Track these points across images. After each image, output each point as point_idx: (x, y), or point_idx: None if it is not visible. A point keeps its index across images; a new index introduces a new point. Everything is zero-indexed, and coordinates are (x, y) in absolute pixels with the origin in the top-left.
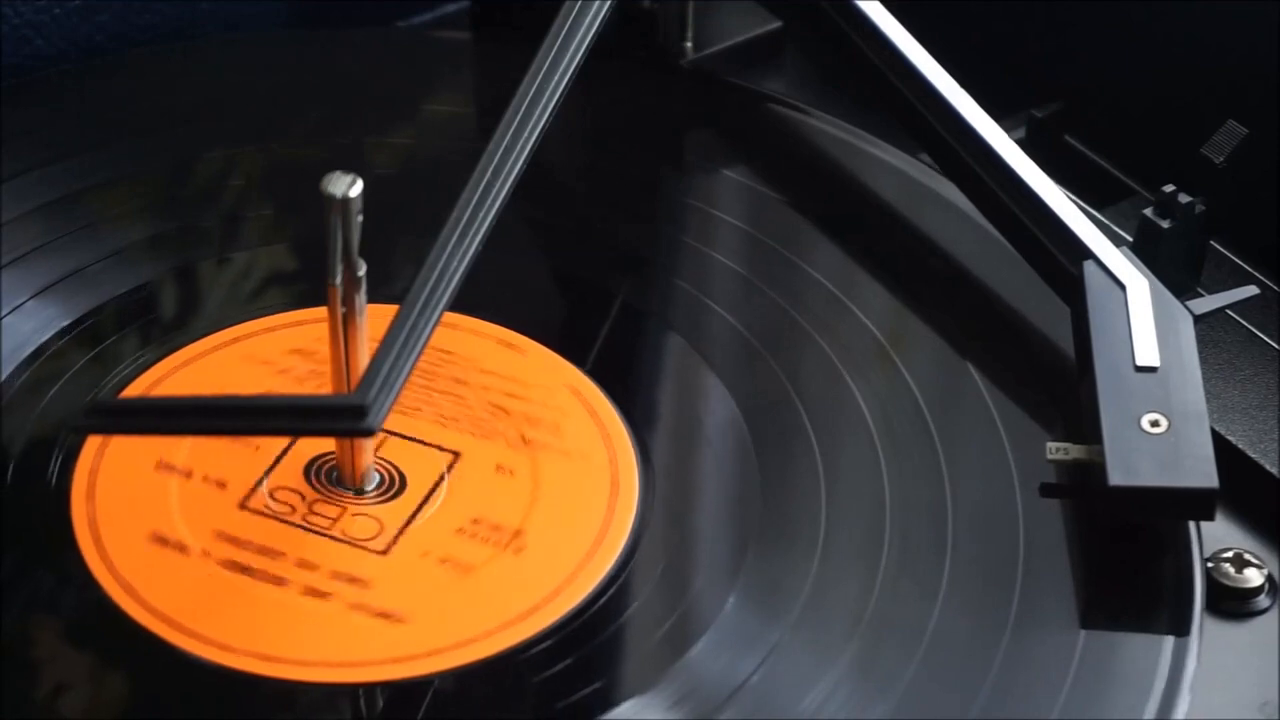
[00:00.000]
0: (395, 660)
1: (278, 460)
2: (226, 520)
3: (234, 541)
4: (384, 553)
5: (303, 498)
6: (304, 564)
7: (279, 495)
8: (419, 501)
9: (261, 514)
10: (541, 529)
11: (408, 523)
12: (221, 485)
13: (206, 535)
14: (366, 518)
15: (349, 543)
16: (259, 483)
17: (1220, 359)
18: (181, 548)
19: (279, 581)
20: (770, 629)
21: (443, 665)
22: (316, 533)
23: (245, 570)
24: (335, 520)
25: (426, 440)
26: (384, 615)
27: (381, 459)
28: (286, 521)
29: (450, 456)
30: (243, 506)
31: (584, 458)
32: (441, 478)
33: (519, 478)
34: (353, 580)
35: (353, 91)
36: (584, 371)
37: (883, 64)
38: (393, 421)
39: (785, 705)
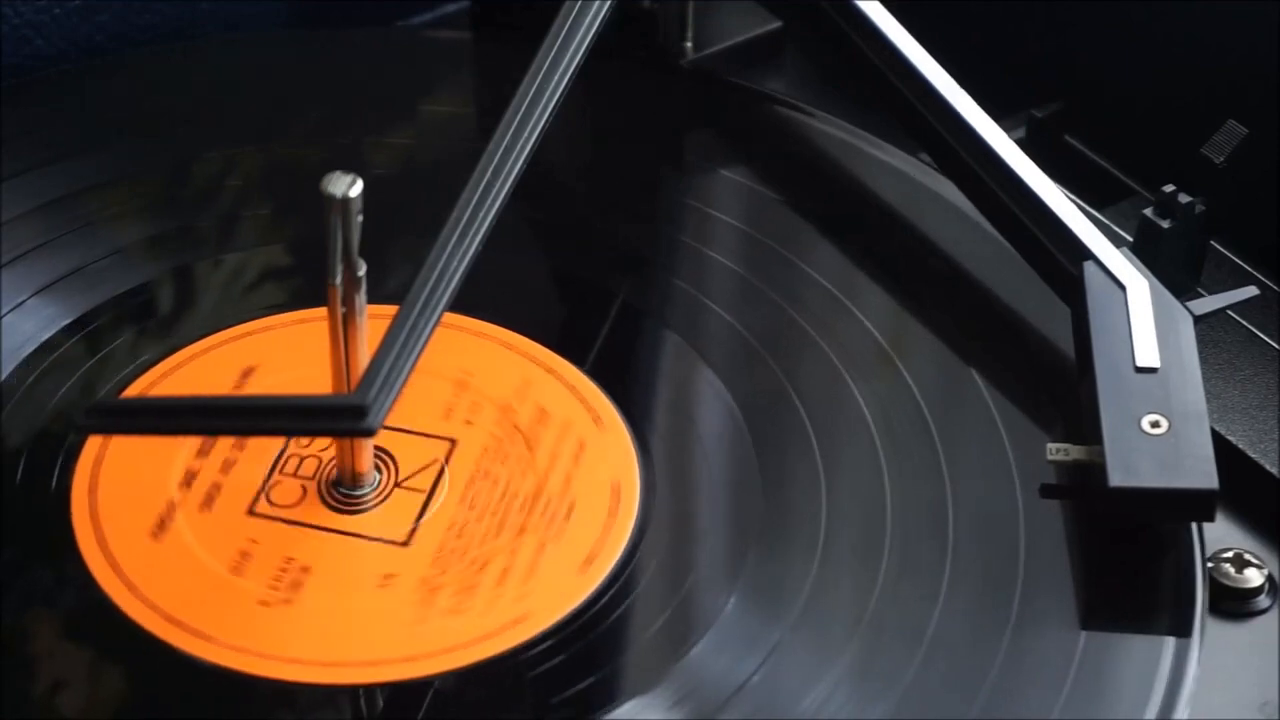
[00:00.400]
0: (395, 660)
1: (276, 466)
2: (239, 529)
3: (247, 548)
4: (406, 544)
5: (306, 496)
6: (327, 564)
7: (284, 500)
8: (428, 491)
9: (273, 519)
10: (554, 498)
11: (421, 513)
12: (226, 493)
13: (216, 541)
14: (377, 513)
15: (368, 539)
16: (262, 489)
17: (1220, 359)
18: (201, 566)
19: (298, 584)
20: (770, 629)
21: (443, 665)
22: (331, 532)
23: (264, 574)
24: (346, 518)
25: (420, 430)
26: (425, 603)
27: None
28: (300, 524)
29: (448, 443)
30: (251, 513)
31: (568, 423)
32: (443, 466)
33: (517, 456)
34: (388, 576)
35: (353, 91)
36: (584, 371)
37: (883, 64)
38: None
39: (785, 705)
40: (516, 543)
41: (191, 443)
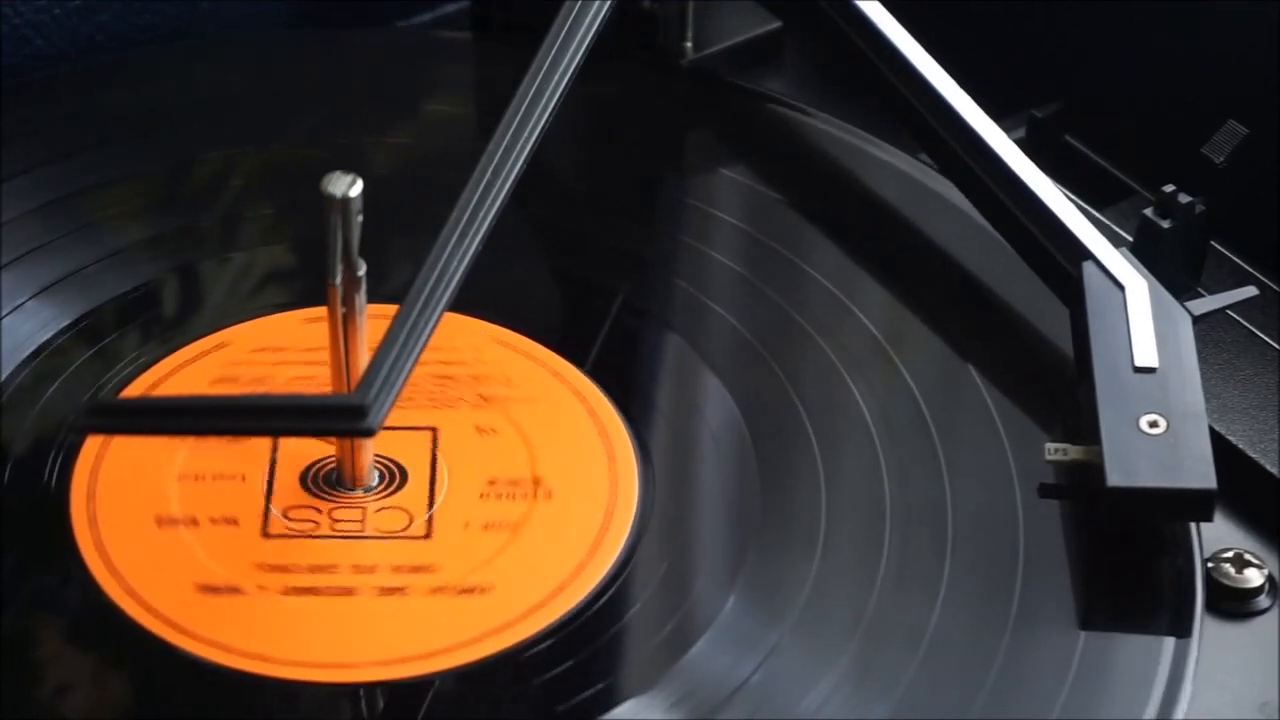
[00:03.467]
0: (395, 660)
1: (271, 476)
2: (258, 552)
3: (280, 568)
4: (428, 536)
5: (317, 510)
6: (359, 568)
7: (292, 513)
8: (428, 481)
9: (288, 536)
10: (552, 470)
11: (430, 504)
12: (234, 522)
13: (248, 571)
14: (390, 510)
15: (390, 537)
16: (268, 508)
17: (1220, 359)
18: (234, 589)
19: (346, 591)
20: (770, 629)
21: (443, 665)
22: (353, 537)
23: (311, 591)
24: (362, 520)
25: (400, 425)
26: (467, 591)
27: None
28: (316, 536)
29: (430, 433)
30: (265, 534)
31: (549, 400)
32: (434, 455)
33: (503, 433)
34: (418, 569)
35: (353, 91)
36: (584, 371)
37: (883, 64)
38: None
39: (785, 705)
40: (524, 532)
41: (188, 451)
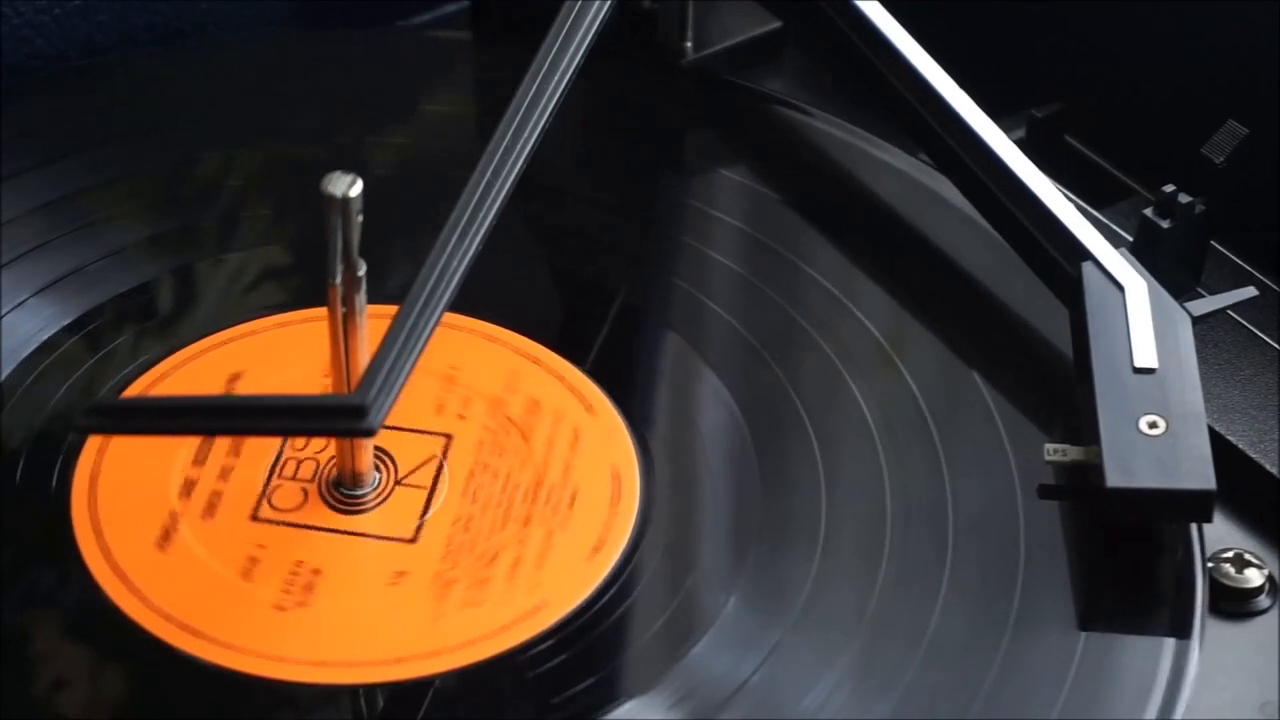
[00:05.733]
0: (395, 660)
1: (274, 470)
2: (245, 535)
3: (280, 568)
4: (429, 537)
5: (318, 509)
6: (360, 568)
7: (293, 513)
8: (429, 482)
9: (277, 524)
10: (553, 470)
11: (431, 504)
12: (234, 521)
13: (249, 570)
14: (392, 510)
15: (392, 539)
16: (263, 495)
17: (1220, 359)
18: (234, 589)
19: (347, 591)
20: (770, 629)
21: (443, 665)
22: (341, 532)
23: (311, 590)
24: (363, 520)
25: (415, 427)
26: (467, 592)
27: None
28: (305, 527)
29: (443, 439)
30: (255, 519)
31: (550, 400)
32: (434, 455)
33: (503, 433)
34: (419, 569)
35: (353, 91)
36: (584, 371)
37: (882, 64)
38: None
39: (785, 705)
40: (524, 533)
41: (188, 452)
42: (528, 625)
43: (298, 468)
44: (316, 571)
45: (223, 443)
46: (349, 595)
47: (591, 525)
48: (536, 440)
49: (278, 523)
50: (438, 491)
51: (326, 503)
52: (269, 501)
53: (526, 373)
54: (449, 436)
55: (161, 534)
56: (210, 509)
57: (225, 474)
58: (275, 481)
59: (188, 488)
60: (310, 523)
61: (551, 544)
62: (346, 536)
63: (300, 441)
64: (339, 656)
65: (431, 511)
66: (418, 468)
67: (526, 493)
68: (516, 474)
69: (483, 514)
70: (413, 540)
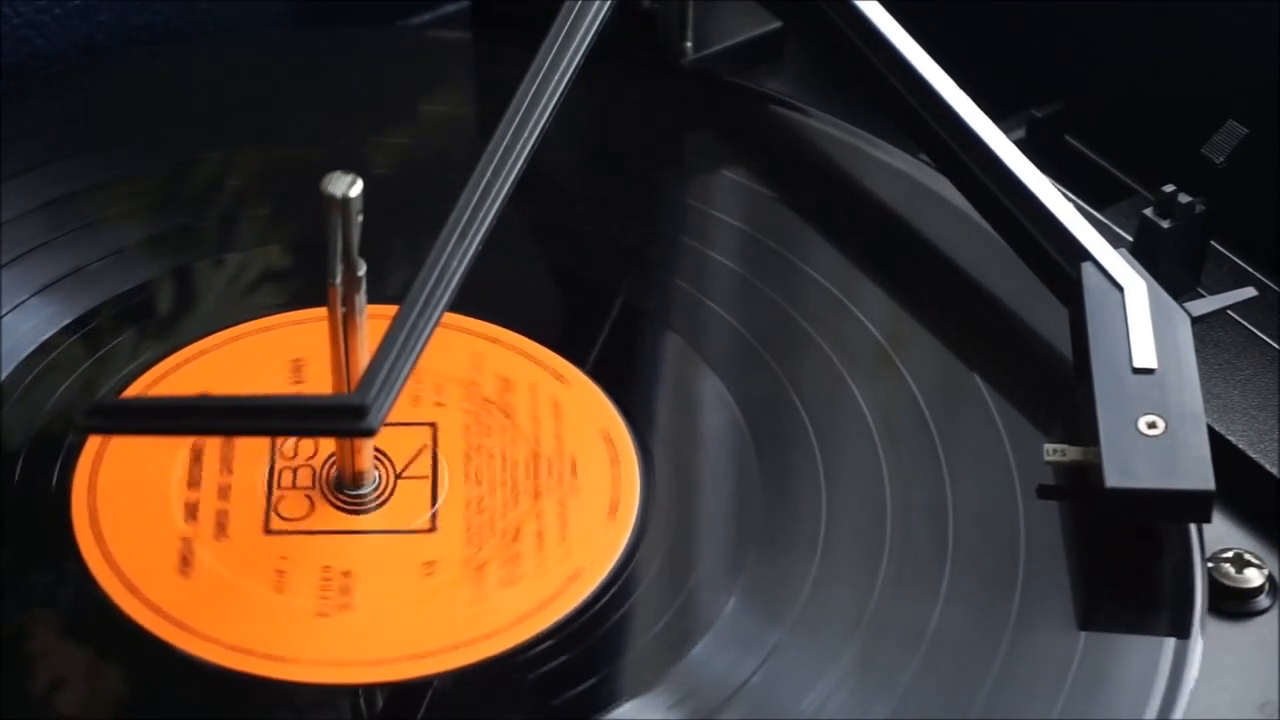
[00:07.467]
0: (395, 660)
1: (272, 481)
2: (263, 549)
3: (280, 567)
4: (429, 534)
5: (318, 508)
6: (359, 568)
7: (292, 512)
8: (429, 482)
9: (288, 534)
10: (554, 470)
11: (431, 504)
12: (235, 520)
13: (248, 569)
14: (390, 510)
15: (391, 532)
16: (268, 507)
17: (1220, 359)
18: (234, 588)
19: (346, 591)
20: (770, 629)
21: (443, 665)
22: (353, 533)
23: (310, 590)
24: (361, 520)
25: (400, 420)
26: (467, 592)
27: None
28: (319, 532)
29: (429, 429)
30: (268, 532)
31: (549, 400)
32: (435, 455)
33: (504, 433)
34: (418, 569)
35: (353, 91)
36: (584, 371)
37: (882, 64)
38: None
39: (785, 705)
40: (538, 506)
41: (181, 471)
42: (527, 625)
43: (295, 475)
44: (347, 574)
45: (212, 460)
46: (387, 592)
47: (600, 487)
48: (520, 416)
49: (292, 532)
50: (440, 479)
51: (333, 506)
52: (277, 513)
53: (488, 353)
54: (434, 425)
55: (180, 561)
56: (221, 529)
57: (224, 492)
58: (277, 493)
59: (191, 511)
60: (323, 527)
61: (568, 512)
62: (364, 535)
63: (289, 449)
64: (397, 653)
65: (441, 499)
66: (413, 459)
67: (527, 467)
68: (511, 451)
69: (491, 494)
70: (431, 529)
